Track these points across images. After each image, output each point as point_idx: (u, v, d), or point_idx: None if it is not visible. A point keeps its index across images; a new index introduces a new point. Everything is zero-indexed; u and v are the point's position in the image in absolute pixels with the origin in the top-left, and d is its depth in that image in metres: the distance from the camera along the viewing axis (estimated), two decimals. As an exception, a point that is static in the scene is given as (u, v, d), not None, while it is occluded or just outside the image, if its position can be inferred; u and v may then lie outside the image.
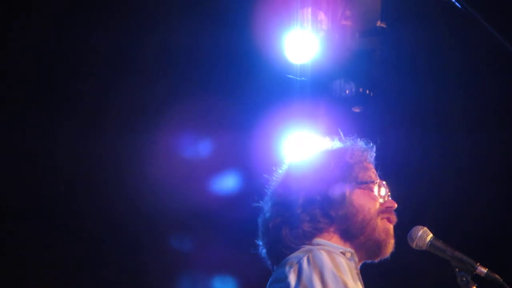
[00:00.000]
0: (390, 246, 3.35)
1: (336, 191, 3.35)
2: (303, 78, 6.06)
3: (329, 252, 3.06)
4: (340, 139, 3.51)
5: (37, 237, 6.37)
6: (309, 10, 5.94)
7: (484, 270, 3.29)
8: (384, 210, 3.37)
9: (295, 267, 3.06)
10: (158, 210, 6.42)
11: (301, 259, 3.06)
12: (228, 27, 6.17)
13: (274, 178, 3.48)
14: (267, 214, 3.40)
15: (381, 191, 3.40)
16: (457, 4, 4.71)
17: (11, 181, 6.24)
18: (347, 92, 6.17)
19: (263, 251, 3.42)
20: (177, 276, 6.83)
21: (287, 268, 3.08)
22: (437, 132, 6.63)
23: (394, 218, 3.40)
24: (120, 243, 6.57)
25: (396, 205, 3.41)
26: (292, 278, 3.04)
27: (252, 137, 6.29)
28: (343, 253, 3.24)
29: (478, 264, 3.30)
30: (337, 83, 6.16)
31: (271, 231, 3.37)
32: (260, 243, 3.42)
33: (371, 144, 3.51)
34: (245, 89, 6.38)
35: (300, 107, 6.14)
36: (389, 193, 3.44)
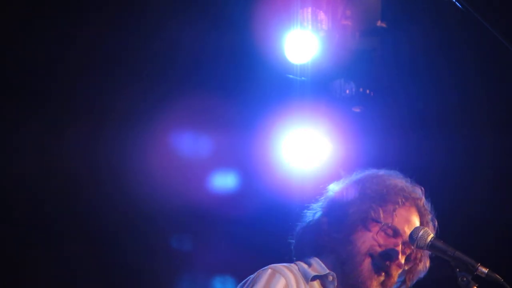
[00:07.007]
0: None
1: (349, 214, 3.39)
2: (303, 78, 6.06)
3: (273, 272, 3.29)
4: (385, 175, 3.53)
5: (37, 237, 6.36)
6: (309, 10, 5.94)
7: (484, 270, 3.28)
8: (380, 254, 3.36)
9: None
10: (157, 209, 6.41)
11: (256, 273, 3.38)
12: (228, 27, 6.17)
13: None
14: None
15: (387, 236, 3.39)
16: (458, 4, 4.71)
17: (11, 181, 6.23)
18: (347, 92, 6.17)
19: None
20: (177, 276, 6.82)
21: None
22: (437, 132, 6.62)
23: (390, 272, 3.37)
24: (120, 243, 6.56)
25: (398, 260, 3.38)
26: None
27: (252, 137, 6.28)
28: (326, 276, 3.35)
29: (479, 264, 3.30)
30: (337, 83, 6.16)
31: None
32: None
33: (422, 189, 3.51)
34: (245, 88, 6.38)
35: (300, 107, 6.13)
36: (406, 251, 3.42)
